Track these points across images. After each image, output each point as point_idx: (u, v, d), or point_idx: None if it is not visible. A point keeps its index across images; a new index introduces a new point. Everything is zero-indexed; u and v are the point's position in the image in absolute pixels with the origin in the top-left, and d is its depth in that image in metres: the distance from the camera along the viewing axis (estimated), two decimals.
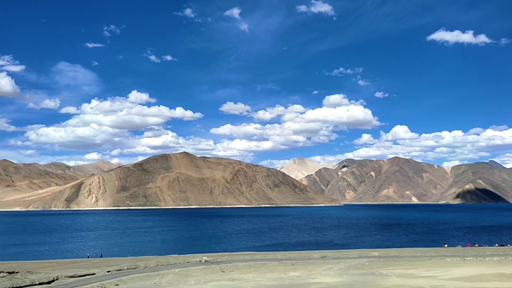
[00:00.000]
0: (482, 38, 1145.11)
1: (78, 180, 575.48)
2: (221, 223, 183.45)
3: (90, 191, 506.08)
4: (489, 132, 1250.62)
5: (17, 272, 45.53)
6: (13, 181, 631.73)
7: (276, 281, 42.15)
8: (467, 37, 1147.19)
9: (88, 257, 71.35)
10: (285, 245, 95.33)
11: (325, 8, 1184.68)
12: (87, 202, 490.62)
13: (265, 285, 38.82)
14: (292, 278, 44.32)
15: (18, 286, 39.31)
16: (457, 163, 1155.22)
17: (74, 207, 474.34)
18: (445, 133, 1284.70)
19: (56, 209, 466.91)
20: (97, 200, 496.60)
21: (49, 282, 41.76)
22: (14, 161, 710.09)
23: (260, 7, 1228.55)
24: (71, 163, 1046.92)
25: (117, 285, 41.14)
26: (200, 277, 45.85)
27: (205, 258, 58.49)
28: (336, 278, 43.08)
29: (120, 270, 48.99)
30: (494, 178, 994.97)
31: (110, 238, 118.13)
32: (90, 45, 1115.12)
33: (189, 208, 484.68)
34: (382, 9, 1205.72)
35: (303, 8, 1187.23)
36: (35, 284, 40.58)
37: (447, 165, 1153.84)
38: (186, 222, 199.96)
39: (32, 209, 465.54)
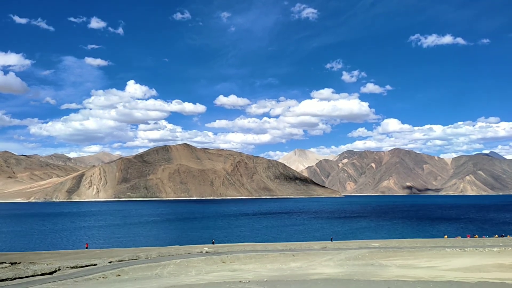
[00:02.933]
0: (467, 38, 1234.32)
1: (79, 172, 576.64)
2: (222, 214, 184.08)
3: (91, 182, 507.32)
4: (479, 125, 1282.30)
5: (19, 263, 45.82)
6: (14, 173, 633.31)
7: (277, 272, 42.38)
8: (451, 38, 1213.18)
9: (213, 242, 73.06)
10: (286, 236, 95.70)
11: (312, 11, 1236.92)
12: (88, 194, 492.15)
13: (266, 276, 39.03)
14: (293, 269, 44.55)
15: (20, 276, 39.56)
16: (453, 155, 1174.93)
17: (76, 199, 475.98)
18: (437, 126, 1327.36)
19: (57, 200, 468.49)
20: (98, 191, 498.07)
21: (51, 273, 42.02)
22: (15, 153, 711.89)
23: (255, 6, 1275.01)
24: (72, 155, 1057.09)
25: (119, 275, 41.39)
26: (201, 267, 46.10)
27: (206, 249, 58.75)
28: (337, 269, 43.29)
29: (121, 260, 49.25)
30: (494, 169, 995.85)
31: (111, 229, 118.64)
32: (93, 43, 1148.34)
33: (190, 199, 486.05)
34: (372, 10, 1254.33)
35: (297, 8, 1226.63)
36: (37, 275, 40.84)
37: (446, 157, 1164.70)
38: (187, 213, 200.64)
39: (33, 201, 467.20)
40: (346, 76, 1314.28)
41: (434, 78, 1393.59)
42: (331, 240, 74.79)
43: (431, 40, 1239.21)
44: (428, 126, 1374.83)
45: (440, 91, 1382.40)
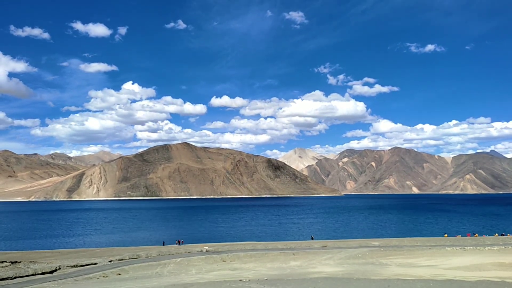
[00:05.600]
0: (453, 43, 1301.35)
1: (80, 171, 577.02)
2: (222, 213, 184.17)
3: (91, 181, 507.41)
4: (471, 125, 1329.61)
5: (20, 262, 45.86)
6: (14, 172, 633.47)
7: (277, 271, 42.41)
8: (438, 44, 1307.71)
9: (312, 238, 74.27)
10: (286, 234, 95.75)
11: (306, 16, 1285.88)
12: (89, 193, 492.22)
13: (266, 274, 39.05)
14: (293, 268, 44.59)
15: (21, 275, 39.60)
16: (450, 154, 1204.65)
17: (76, 198, 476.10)
18: (429, 126, 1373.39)
19: (57, 199, 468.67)
20: (98, 190, 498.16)
21: (51, 272, 42.06)
22: (16, 152, 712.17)
23: (251, 11, 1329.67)
24: (72, 154, 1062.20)
25: (119, 274, 41.44)
26: (201, 266, 46.15)
27: (206, 248, 58.80)
28: (337, 268, 43.33)
29: (122, 259, 49.32)
30: (494, 168, 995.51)
31: (111, 227, 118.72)
32: (95, 47, 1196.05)
33: (190, 198, 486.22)
34: (364, 16, 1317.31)
35: (291, 14, 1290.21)
36: (38, 274, 40.87)
37: (446, 156, 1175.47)
38: (187, 212, 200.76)
39: (33, 200, 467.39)
40: (343, 78, 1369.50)
41: (425, 80, 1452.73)
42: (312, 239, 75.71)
43: (421, 45, 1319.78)
44: (420, 126, 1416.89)
45: (430, 93, 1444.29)
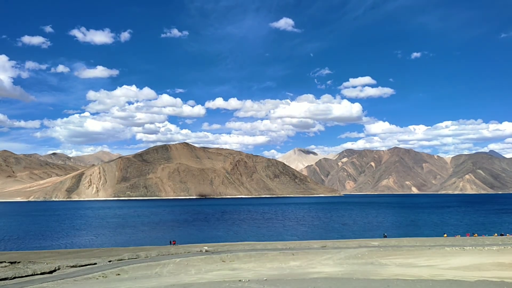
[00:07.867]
0: (439, 49, 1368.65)
1: (79, 171, 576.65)
2: (221, 213, 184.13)
3: (90, 181, 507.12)
4: (468, 126, 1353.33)
5: (19, 262, 45.83)
6: (13, 172, 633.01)
7: (276, 271, 42.41)
8: (430, 49, 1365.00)
9: (385, 236, 75.30)
10: (285, 234, 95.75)
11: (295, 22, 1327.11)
12: (88, 193, 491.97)
13: (266, 275, 39.05)
14: (292, 268, 44.59)
15: (20, 275, 39.56)
16: (445, 155, 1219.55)
17: (75, 198, 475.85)
18: (424, 128, 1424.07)
19: (57, 199, 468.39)
20: (97, 190, 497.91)
21: (50, 272, 42.03)
22: (15, 152, 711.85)
23: (249, 17, 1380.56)
24: (72, 154, 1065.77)
25: (119, 274, 41.40)
26: (200, 266, 46.13)
27: (206, 248, 58.77)
28: (336, 268, 43.33)
29: (121, 260, 49.29)
30: (494, 168, 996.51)
31: (110, 227, 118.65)
32: (98, 45, 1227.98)
33: (189, 198, 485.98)
34: (356, 22, 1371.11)
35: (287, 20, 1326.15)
36: (37, 274, 40.84)
37: (445, 156, 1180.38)
38: (187, 212, 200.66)
39: (33, 200, 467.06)
40: (338, 80, 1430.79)
41: (417, 82, 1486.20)
42: (385, 237, 75.95)
43: (413, 50, 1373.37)
44: (413, 127, 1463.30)
45: (423, 94, 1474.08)
